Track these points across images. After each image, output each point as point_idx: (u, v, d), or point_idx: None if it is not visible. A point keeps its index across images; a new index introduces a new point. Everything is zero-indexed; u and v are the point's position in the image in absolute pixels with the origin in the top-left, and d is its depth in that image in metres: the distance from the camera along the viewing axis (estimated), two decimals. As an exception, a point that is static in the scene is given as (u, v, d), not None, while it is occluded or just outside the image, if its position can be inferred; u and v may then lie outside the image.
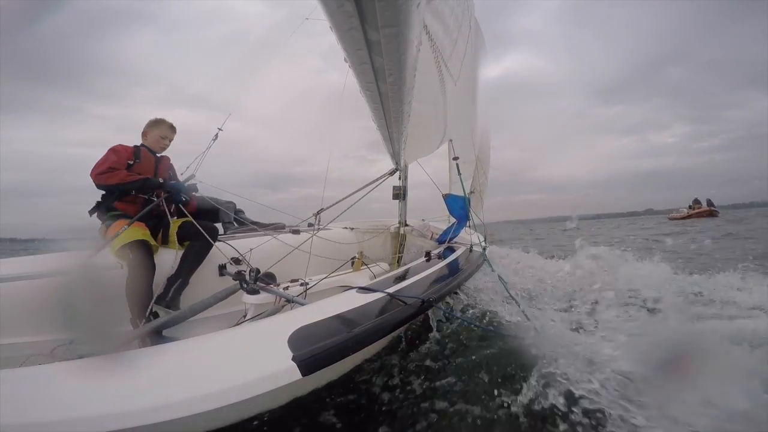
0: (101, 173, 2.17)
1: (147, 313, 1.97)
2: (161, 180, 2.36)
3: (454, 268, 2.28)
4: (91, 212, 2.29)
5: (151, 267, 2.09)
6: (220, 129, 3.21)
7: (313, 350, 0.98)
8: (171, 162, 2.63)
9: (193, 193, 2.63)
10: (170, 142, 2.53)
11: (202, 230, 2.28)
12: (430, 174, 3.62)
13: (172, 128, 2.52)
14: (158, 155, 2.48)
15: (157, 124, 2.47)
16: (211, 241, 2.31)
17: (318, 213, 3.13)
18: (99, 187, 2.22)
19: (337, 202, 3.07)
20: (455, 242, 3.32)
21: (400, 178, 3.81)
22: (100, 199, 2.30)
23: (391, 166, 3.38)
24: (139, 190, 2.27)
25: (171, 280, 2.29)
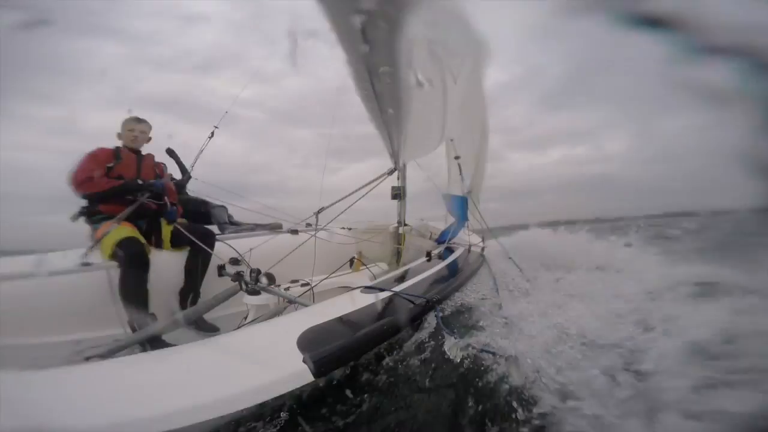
0: (81, 183, 2.14)
1: (145, 315, 1.95)
2: (141, 182, 2.32)
3: (454, 268, 2.29)
4: (73, 218, 2.25)
5: (145, 264, 2.04)
6: (216, 127, 3.19)
7: (324, 351, 0.97)
8: (156, 160, 2.57)
9: (178, 187, 2.65)
10: (142, 133, 2.44)
11: (199, 243, 2.28)
12: (425, 179, 3.64)
13: (138, 120, 2.44)
14: (142, 154, 2.44)
15: (124, 122, 2.42)
16: (209, 250, 2.30)
17: (317, 213, 3.12)
18: (80, 196, 2.20)
19: (335, 202, 3.07)
20: (454, 242, 3.32)
21: (398, 178, 3.82)
22: (84, 205, 2.25)
23: (390, 165, 3.38)
24: (121, 193, 2.24)
25: (184, 294, 2.29)
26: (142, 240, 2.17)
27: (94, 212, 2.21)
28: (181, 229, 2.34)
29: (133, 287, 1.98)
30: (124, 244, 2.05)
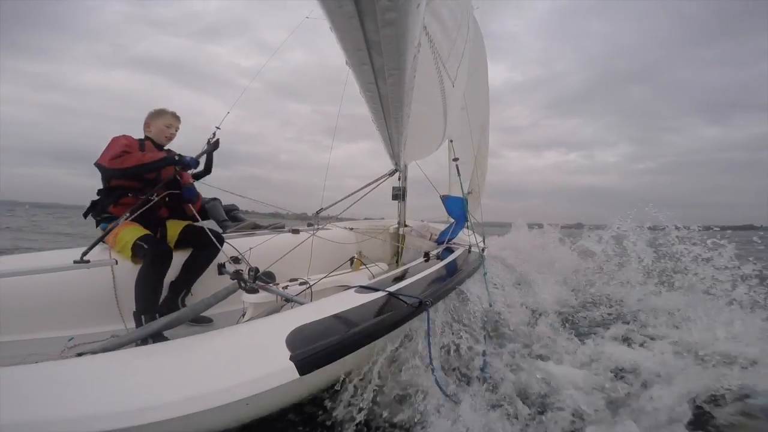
0: (115, 157, 1.99)
1: (154, 311, 1.95)
2: (177, 157, 2.22)
3: (452, 269, 2.29)
4: (85, 214, 2.21)
5: (168, 261, 2.05)
6: (218, 127, 3.11)
7: (310, 349, 0.98)
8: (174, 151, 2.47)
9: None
10: (176, 130, 2.38)
11: (213, 238, 2.22)
12: (429, 175, 3.64)
13: (176, 116, 2.36)
14: (164, 148, 2.36)
15: (159, 114, 2.32)
16: (219, 246, 2.24)
17: (317, 213, 3.13)
18: (111, 173, 2.05)
19: (336, 203, 3.08)
20: (454, 243, 3.32)
21: (399, 179, 3.82)
22: (95, 199, 2.18)
23: (392, 166, 3.38)
24: (161, 167, 2.13)
25: (176, 287, 2.25)
26: None
27: (104, 211, 2.15)
28: (207, 230, 2.28)
29: (152, 283, 1.98)
30: (149, 240, 2.03)
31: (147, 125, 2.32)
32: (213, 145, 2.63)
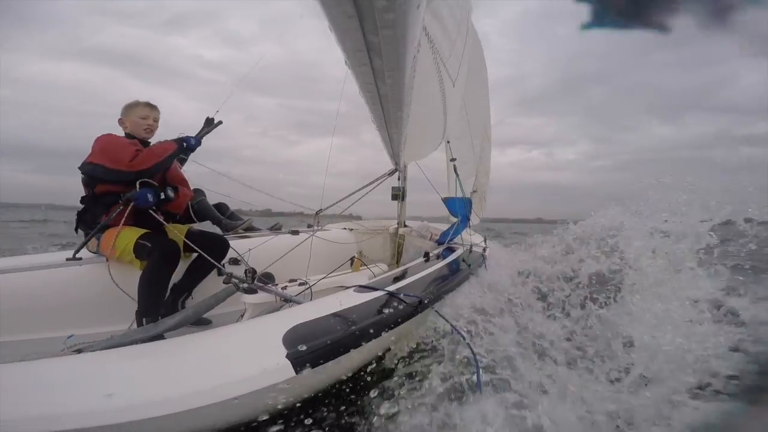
0: (133, 159, 1.85)
1: (158, 313, 1.88)
2: (184, 144, 2.13)
3: (453, 269, 2.28)
4: (76, 228, 2.09)
5: (177, 260, 1.95)
6: (214, 123, 3.00)
7: (307, 348, 0.98)
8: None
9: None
10: (155, 121, 2.14)
11: (208, 257, 2.07)
12: (428, 175, 3.64)
13: (150, 106, 2.13)
14: (150, 144, 2.17)
15: (132, 106, 2.12)
16: (215, 263, 2.10)
17: (317, 213, 3.12)
18: (136, 175, 1.91)
19: (334, 204, 3.07)
20: (455, 243, 3.31)
21: (399, 179, 3.82)
22: (80, 209, 2.04)
23: (391, 166, 3.37)
24: (176, 155, 2.03)
25: (177, 292, 2.20)
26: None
27: (95, 223, 2.01)
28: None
29: (158, 282, 1.90)
30: (152, 237, 1.94)
31: (122, 121, 2.12)
32: (214, 125, 2.60)
